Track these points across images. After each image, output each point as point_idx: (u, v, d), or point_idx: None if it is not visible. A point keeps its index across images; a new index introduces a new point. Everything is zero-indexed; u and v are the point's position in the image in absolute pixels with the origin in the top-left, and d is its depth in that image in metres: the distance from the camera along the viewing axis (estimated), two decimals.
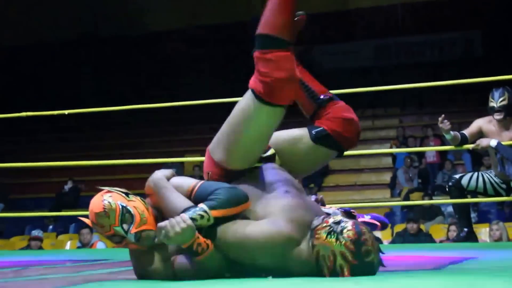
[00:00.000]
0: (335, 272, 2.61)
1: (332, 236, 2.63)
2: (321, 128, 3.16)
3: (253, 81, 2.93)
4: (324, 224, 2.68)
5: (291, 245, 2.71)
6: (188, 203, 2.84)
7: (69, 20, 20.05)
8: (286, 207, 2.78)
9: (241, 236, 2.74)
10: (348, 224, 2.65)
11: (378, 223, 3.77)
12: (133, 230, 2.85)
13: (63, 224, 13.22)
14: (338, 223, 2.67)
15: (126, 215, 2.86)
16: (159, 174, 2.99)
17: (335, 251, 2.61)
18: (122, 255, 4.73)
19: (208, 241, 2.76)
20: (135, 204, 2.92)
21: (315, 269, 2.67)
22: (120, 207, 2.87)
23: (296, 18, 3.23)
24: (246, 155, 2.99)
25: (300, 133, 3.18)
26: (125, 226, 2.85)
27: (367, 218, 3.68)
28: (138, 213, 2.89)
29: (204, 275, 2.77)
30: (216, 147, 3.04)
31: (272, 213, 2.77)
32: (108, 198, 2.88)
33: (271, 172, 2.98)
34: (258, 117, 2.92)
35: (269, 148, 3.13)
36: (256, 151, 3.01)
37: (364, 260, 2.60)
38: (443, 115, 5.96)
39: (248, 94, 2.94)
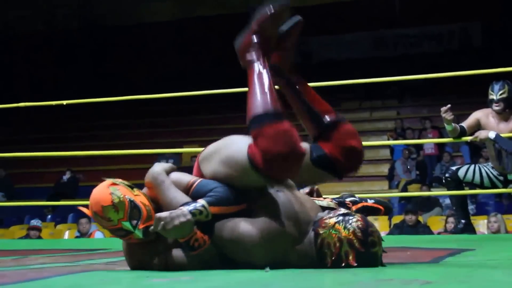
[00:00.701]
0: (339, 260, 2.63)
1: (341, 224, 2.67)
2: (323, 152, 3.04)
3: (252, 151, 2.76)
4: (332, 215, 2.71)
5: (288, 243, 2.73)
6: (187, 198, 2.83)
7: (66, 10, 20.02)
8: (279, 205, 2.78)
9: (238, 234, 2.74)
10: (357, 215, 2.71)
11: (381, 207, 3.76)
12: (141, 225, 2.81)
13: (62, 214, 13.23)
14: (346, 214, 2.70)
15: (134, 210, 2.81)
16: (158, 168, 2.96)
17: (342, 238, 2.64)
18: (120, 245, 4.74)
19: (206, 237, 2.76)
20: (141, 199, 2.88)
21: (313, 262, 2.68)
22: (129, 201, 2.82)
23: (293, 24, 3.19)
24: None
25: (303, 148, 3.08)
26: (133, 221, 2.81)
27: (370, 202, 3.66)
28: (145, 208, 2.85)
29: (198, 268, 2.78)
30: (206, 163, 2.97)
31: (266, 212, 2.78)
32: (115, 191, 2.82)
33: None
34: (247, 178, 2.81)
35: None
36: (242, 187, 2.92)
37: (370, 250, 2.64)
38: (448, 105, 5.94)
39: (244, 153, 2.78)
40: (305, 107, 3.13)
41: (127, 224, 2.80)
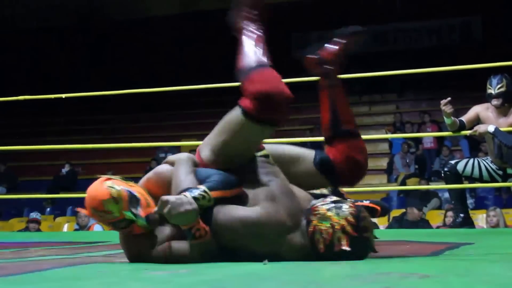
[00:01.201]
0: (331, 245, 2.65)
1: (332, 211, 2.69)
2: (326, 156, 3.13)
3: (242, 102, 2.93)
4: (323, 202, 2.72)
5: (282, 231, 2.75)
6: (193, 184, 2.84)
7: (67, 5, 19.98)
8: (271, 196, 2.81)
9: (234, 220, 2.77)
10: (348, 201, 2.75)
11: (378, 208, 3.75)
12: (143, 213, 2.87)
13: (61, 207, 13.25)
14: (337, 201, 2.73)
15: (133, 199, 2.87)
16: (186, 155, 3.02)
17: (334, 224, 2.66)
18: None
19: (207, 228, 2.78)
20: (137, 189, 2.94)
21: (308, 254, 2.71)
22: (127, 191, 2.88)
23: (356, 30, 3.28)
24: (229, 161, 2.99)
25: (306, 153, 3.15)
26: (134, 210, 2.86)
27: (366, 203, 3.66)
28: (142, 196, 2.92)
29: (198, 260, 2.79)
30: (204, 147, 3.07)
31: (259, 202, 2.80)
32: (111, 184, 2.88)
33: (256, 163, 2.98)
34: (244, 133, 2.93)
35: (262, 148, 3.12)
36: (238, 160, 3.00)
37: (363, 235, 2.67)
38: (448, 98, 5.95)
39: (237, 110, 2.95)
40: (331, 109, 3.20)
41: (129, 214, 2.85)
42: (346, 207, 2.70)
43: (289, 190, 2.89)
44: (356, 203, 3.43)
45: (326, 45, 3.30)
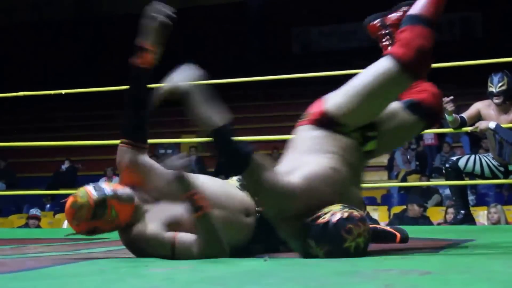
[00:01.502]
0: (313, 220, 2.69)
1: (339, 207, 2.70)
2: (411, 99, 3.19)
3: (396, 49, 2.99)
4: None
5: (287, 209, 2.76)
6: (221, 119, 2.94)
7: None
8: (307, 176, 2.80)
9: (263, 176, 2.73)
10: (360, 211, 2.77)
11: (397, 234, 3.75)
12: (109, 188, 2.97)
13: (61, 203, 13.22)
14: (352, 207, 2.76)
15: (96, 187, 2.96)
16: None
17: (332, 209, 2.69)
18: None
19: (207, 202, 2.83)
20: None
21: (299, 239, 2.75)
22: (86, 186, 2.97)
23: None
24: (363, 115, 3.01)
25: (393, 106, 3.16)
26: (100, 191, 2.94)
27: (384, 227, 3.68)
28: (107, 183, 3.05)
29: (203, 249, 2.83)
30: (336, 96, 3.04)
31: (293, 173, 2.80)
32: (75, 195, 2.95)
33: (347, 145, 2.97)
34: (390, 84, 2.96)
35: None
36: (372, 115, 3.04)
37: (341, 232, 2.65)
38: (451, 97, 5.95)
39: (386, 60, 2.98)
40: None
41: (97, 196, 2.92)
42: (353, 209, 2.70)
43: (333, 181, 2.83)
44: (373, 225, 3.46)
45: (389, 12, 3.60)
